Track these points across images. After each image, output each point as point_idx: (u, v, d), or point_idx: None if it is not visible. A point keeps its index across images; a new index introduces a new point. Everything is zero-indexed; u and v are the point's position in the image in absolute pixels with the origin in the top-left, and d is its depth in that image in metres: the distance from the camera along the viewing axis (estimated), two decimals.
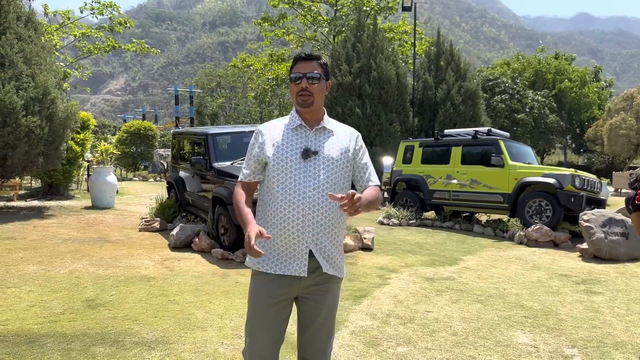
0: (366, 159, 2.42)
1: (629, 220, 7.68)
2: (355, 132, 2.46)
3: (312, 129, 2.31)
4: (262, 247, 2.27)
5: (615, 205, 12.66)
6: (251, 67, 24.09)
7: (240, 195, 2.35)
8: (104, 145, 11.61)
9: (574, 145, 35.68)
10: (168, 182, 10.00)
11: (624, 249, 7.34)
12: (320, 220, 2.22)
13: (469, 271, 6.61)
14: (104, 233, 8.39)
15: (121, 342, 3.96)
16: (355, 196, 2.01)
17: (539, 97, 27.19)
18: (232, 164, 7.58)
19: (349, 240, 7.38)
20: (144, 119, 38.08)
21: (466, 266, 6.92)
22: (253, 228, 2.09)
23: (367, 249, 7.62)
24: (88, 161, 14.35)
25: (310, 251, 2.24)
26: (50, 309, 4.68)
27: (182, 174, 9.26)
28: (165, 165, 24.67)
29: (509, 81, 27.36)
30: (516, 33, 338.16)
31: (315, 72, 2.25)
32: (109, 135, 30.00)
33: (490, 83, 26.35)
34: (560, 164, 30.64)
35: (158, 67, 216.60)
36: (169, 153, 25.76)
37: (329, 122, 2.38)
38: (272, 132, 2.33)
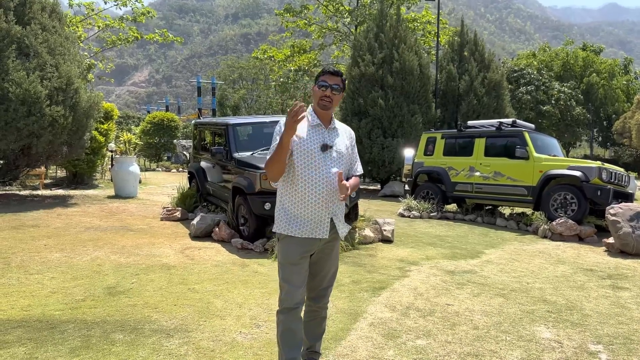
0: (355, 152, 3.15)
1: None
2: (352, 131, 3.18)
3: (326, 127, 2.95)
4: (295, 219, 2.91)
5: None
6: (272, 59, 24.05)
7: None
8: (127, 135, 11.73)
9: (600, 139, 34.87)
10: (189, 172, 10.05)
11: None
12: (337, 198, 2.91)
13: (491, 265, 6.50)
14: (126, 222, 8.48)
15: (140, 329, 3.98)
16: (349, 190, 2.81)
17: (565, 89, 26.56)
18: (252, 154, 7.57)
19: (368, 232, 7.32)
20: (167, 110, 38.44)
21: (488, 259, 6.80)
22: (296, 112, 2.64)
23: (387, 240, 7.55)
24: (112, 151, 14.54)
25: (331, 219, 2.94)
26: (71, 296, 4.74)
27: (203, 164, 9.30)
28: (188, 156, 24.89)
29: (535, 72, 26.77)
30: (542, 24, 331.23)
31: (338, 85, 2.90)
32: (132, 126, 30.36)
33: (515, 74, 25.82)
34: (586, 157, 29.95)
35: (181, 59, 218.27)
36: (191, 144, 26.09)
37: (336, 123, 3.03)
38: (297, 127, 2.78)
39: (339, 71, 2.93)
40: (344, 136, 3.03)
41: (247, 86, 53.45)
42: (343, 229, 3.03)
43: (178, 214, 8.70)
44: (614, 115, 30.80)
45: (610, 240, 7.47)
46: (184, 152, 25.17)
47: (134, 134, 17.97)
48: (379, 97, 13.61)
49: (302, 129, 2.87)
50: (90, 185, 13.33)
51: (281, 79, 24.41)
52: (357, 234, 7.15)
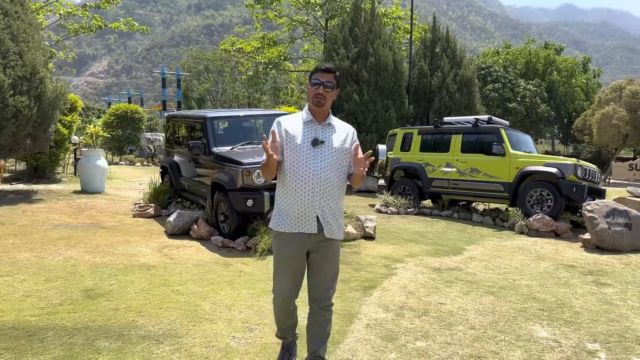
0: (359, 150, 3.03)
1: (632, 210, 7.64)
2: (351, 129, 3.14)
3: (320, 123, 2.98)
4: (282, 214, 2.99)
5: (608, 195, 12.66)
6: (241, 51, 23.59)
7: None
8: (94, 127, 11.23)
9: (561, 135, 35.90)
10: (162, 167, 9.70)
11: (627, 240, 7.28)
12: (324, 194, 2.92)
13: (474, 261, 6.50)
14: (97, 219, 8.11)
15: (126, 335, 3.75)
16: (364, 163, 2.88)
17: (531, 87, 27.17)
18: (232, 149, 7.34)
19: (351, 229, 7.21)
20: (129, 102, 37.33)
21: (471, 256, 6.80)
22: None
23: (369, 237, 7.47)
24: (75, 144, 13.95)
25: (317, 216, 2.92)
26: (47, 300, 4.45)
27: (177, 158, 8.98)
28: (153, 150, 24.21)
29: (502, 70, 27.27)
30: (502, 23, 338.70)
31: (331, 82, 2.93)
32: (94, 118, 29.33)
33: (482, 72, 26.23)
34: (547, 154, 30.77)
35: (142, 49, 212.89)
36: (157, 137, 25.37)
37: (332, 120, 3.04)
38: (289, 124, 2.98)
39: (331, 68, 2.96)
40: (341, 133, 3.01)
41: (212, 78, 52.52)
42: (330, 228, 2.97)
43: (151, 211, 8.38)
44: (574, 113, 31.73)
45: (587, 236, 7.60)
46: (149, 146, 24.46)
47: (96, 126, 17.29)
48: (353, 92, 13.52)
49: (294, 125, 2.97)
50: (53, 180, 12.74)
51: (250, 72, 23.99)
52: None
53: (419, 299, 4.83)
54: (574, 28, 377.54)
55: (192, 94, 50.29)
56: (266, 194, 6.39)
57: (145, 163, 22.58)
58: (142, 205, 8.58)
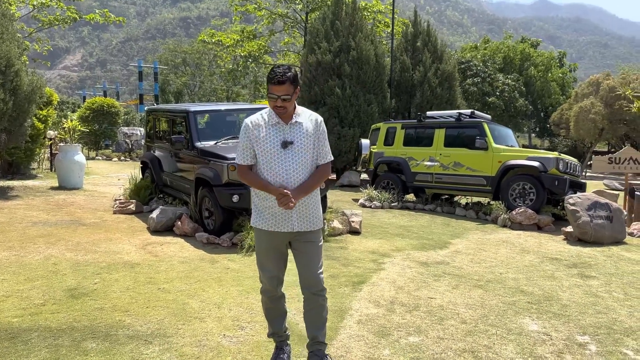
0: (323, 139, 3.09)
1: (613, 203, 7.76)
2: (318, 118, 3.12)
3: (287, 124, 2.99)
4: (259, 212, 3.07)
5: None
6: (220, 43, 23.29)
7: (250, 174, 3.04)
8: (71, 122, 10.96)
9: (537, 129, 36.48)
10: (142, 162, 9.51)
11: (609, 232, 7.40)
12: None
13: (460, 255, 6.52)
14: (77, 215, 7.91)
15: (114, 336, 3.65)
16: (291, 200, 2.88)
17: (509, 81, 27.50)
18: (216, 143, 7.22)
19: (337, 224, 7.18)
20: (105, 95, 36.62)
21: (457, 250, 6.83)
22: (278, 188, 2.89)
23: (355, 232, 7.44)
24: (51, 139, 13.62)
25: (293, 214, 2.99)
26: (29, 300, 4.31)
27: (158, 153, 8.82)
28: (130, 144, 23.83)
29: (481, 64, 27.53)
30: (478, 17, 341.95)
31: (287, 94, 2.89)
32: (69, 113, 28.69)
33: (462, 66, 26.43)
34: (524, 147, 31.16)
35: (117, 42, 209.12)
36: (134, 131, 24.96)
37: (299, 116, 3.03)
38: (257, 127, 3.00)
39: (285, 79, 2.87)
40: (308, 128, 3.03)
41: (190, 72, 51.85)
42: (309, 221, 3.05)
43: (132, 207, 8.21)
44: (550, 107, 32.24)
45: (569, 229, 7.70)
46: (126, 140, 24.06)
47: (71, 121, 16.90)
48: (335, 86, 13.45)
49: (262, 129, 2.99)
50: (28, 176, 12.42)
51: (230, 66, 23.71)
52: (326, 225, 6.99)
53: (408, 294, 4.81)
54: (548, 23, 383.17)
55: (170, 87, 49.63)
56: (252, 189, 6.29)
57: (122, 158, 22.21)
58: (122, 201, 8.41)
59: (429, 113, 10.91)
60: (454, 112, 10.38)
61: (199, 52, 49.59)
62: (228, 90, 46.76)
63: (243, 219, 6.54)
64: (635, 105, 14.15)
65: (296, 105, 3.07)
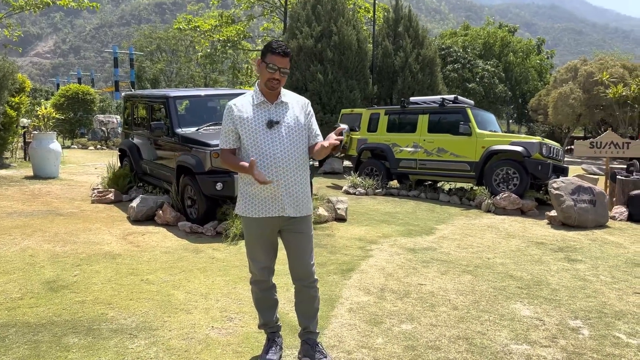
0: (314, 121, 3.04)
1: (597, 188, 7.81)
2: (305, 101, 3.06)
3: (272, 103, 2.90)
4: (247, 199, 2.94)
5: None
6: (197, 29, 22.81)
7: (229, 156, 2.94)
8: (45, 109, 10.60)
9: (515, 115, 36.84)
10: (120, 150, 9.25)
11: (592, 216, 7.45)
12: (288, 174, 2.86)
13: (447, 240, 6.49)
14: (53, 205, 7.66)
15: (96, 330, 3.50)
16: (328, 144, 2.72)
17: (489, 67, 27.62)
18: (197, 130, 7.03)
19: (322, 211, 7.08)
20: (79, 83, 35.71)
21: (443, 235, 6.80)
22: (252, 165, 2.67)
23: (341, 219, 7.35)
24: (24, 127, 13.19)
25: (283, 197, 2.87)
26: (5, 294, 4.13)
27: (137, 140, 8.57)
28: (106, 132, 23.29)
29: (461, 51, 27.57)
30: (456, 4, 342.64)
31: (287, 68, 2.85)
32: (42, 100, 27.89)
33: (442, 52, 26.42)
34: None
35: (90, 28, 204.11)
36: (110, 119, 24.39)
37: (285, 96, 2.95)
38: (241, 108, 2.89)
39: (288, 52, 2.85)
40: (295, 108, 2.95)
41: (166, 58, 50.90)
42: (298, 207, 2.94)
43: (111, 196, 7.98)
44: (528, 93, 32.53)
45: (553, 213, 7.73)
46: (102, 128, 23.49)
47: (47, 108, 16.40)
48: (317, 72, 13.27)
49: (247, 109, 2.89)
50: (1, 165, 12.01)
51: (208, 50, 23.26)
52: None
53: (398, 281, 4.75)
54: (524, 10, 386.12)
55: (145, 74, 48.71)
56: (236, 176, 6.11)
57: (98, 146, 21.72)
58: (101, 190, 8.17)
59: (412, 99, 10.83)
60: (438, 97, 10.32)
61: (175, 38, 48.72)
62: (206, 77, 46.09)
63: (227, 207, 6.39)
64: (611, 90, 14.32)
65: (282, 87, 2.99)
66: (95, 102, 24.09)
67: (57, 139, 10.80)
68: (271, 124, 2.86)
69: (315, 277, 3.08)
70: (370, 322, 3.78)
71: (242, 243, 5.84)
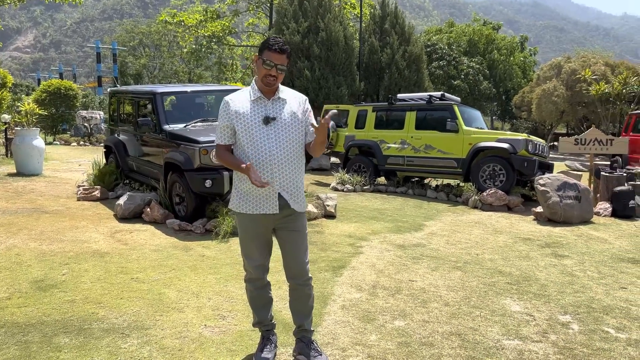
0: (311, 117, 3.00)
1: (582, 184, 7.92)
2: (303, 97, 3.04)
3: (269, 99, 2.87)
4: (241, 195, 2.92)
5: None
6: (182, 23, 22.59)
7: (226, 153, 2.91)
8: (28, 105, 10.42)
9: (499, 112, 37.19)
10: (106, 146, 9.13)
11: (577, 212, 7.55)
12: (284, 171, 2.85)
13: (436, 237, 6.53)
14: (38, 203, 7.54)
15: (88, 330, 3.46)
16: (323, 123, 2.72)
17: (474, 64, 27.83)
18: (185, 126, 6.96)
19: (312, 208, 7.07)
20: (61, 78, 35.15)
21: (431, 232, 6.84)
22: (248, 168, 2.70)
23: (330, 216, 7.36)
24: (6, 123, 12.95)
25: (279, 193, 2.85)
26: None
27: (123, 137, 8.47)
28: (89, 129, 22.97)
29: (446, 48, 27.73)
30: (440, 1, 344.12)
31: (285, 65, 2.82)
32: (23, 96, 27.41)
33: (428, 49, 26.54)
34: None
35: (71, 22, 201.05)
36: (93, 115, 24.06)
37: (283, 92, 2.92)
38: (237, 104, 2.87)
39: (286, 48, 2.84)
40: (292, 105, 2.92)
41: (149, 53, 50.33)
42: (294, 202, 2.92)
43: (97, 193, 7.88)
44: (512, 90, 32.88)
45: (539, 209, 7.82)
46: (85, 124, 23.17)
47: (30, 104, 16.11)
48: (305, 68, 13.24)
49: (243, 104, 2.87)
50: None
51: (193, 46, 23.06)
52: None
53: (389, 277, 4.77)
54: (507, 7, 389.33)
55: (128, 70, 48.13)
56: (225, 173, 6.12)
57: (81, 143, 21.41)
58: (86, 187, 8.06)
59: (399, 96, 10.85)
60: (425, 94, 10.36)
61: (158, 33, 48.21)
62: (190, 73, 45.72)
63: (216, 205, 6.35)
64: (594, 87, 14.52)
65: (279, 83, 2.97)
66: (77, 97, 23.73)
67: (40, 136, 10.61)
68: (267, 120, 2.83)
69: (310, 275, 3.07)
70: (364, 318, 3.79)
71: (233, 240, 5.82)
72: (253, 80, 2.95)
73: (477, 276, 4.90)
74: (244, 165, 2.76)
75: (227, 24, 22.83)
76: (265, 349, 3.11)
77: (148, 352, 3.18)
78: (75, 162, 13.44)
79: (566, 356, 3.26)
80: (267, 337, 3.17)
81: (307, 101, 3.07)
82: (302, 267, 3.01)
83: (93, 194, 7.84)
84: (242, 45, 28.40)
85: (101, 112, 23.69)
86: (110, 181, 8.28)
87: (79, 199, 7.85)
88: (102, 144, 21.24)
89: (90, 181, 8.34)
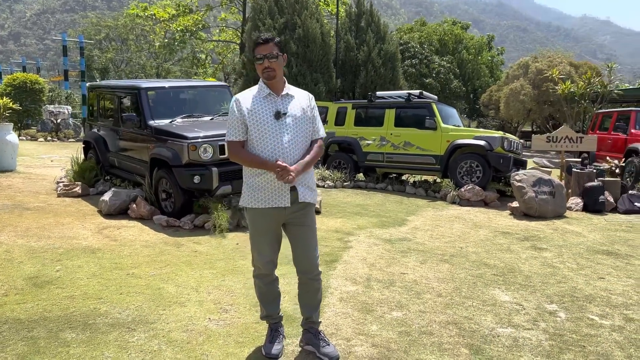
0: (317, 114, 3.10)
1: (555, 180, 8.24)
2: (309, 95, 3.15)
3: (278, 95, 2.96)
4: (253, 190, 2.97)
5: None
6: (154, 17, 22.24)
7: (243, 151, 2.97)
8: (2, 99, 10.13)
9: (467, 110, 37.96)
10: (85, 142, 8.98)
11: (552, 207, 7.86)
12: (295, 164, 2.89)
13: (420, 231, 6.71)
14: (18, 199, 7.38)
15: (93, 324, 3.47)
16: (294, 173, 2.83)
17: (445, 63, 28.35)
18: (171, 122, 6.94)
19: None
20: (24, 71, 34.04)
21: (415, 226, 7.02)
22: (276, 165, 2.82)
23: (315, 212, 7.43)
24: None
25: (291, 186, 2.91)
26: None
27: (103, 132, 8.36)
28: (57, 124, 22.40)
29: (418, 46, 28.17)
30: (407, 0, 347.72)
31: (273, 52, 2.89)
32: None
33: (400, 48, 26.89)
34: None
35: (31, 14, 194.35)
36: (60, 110, 23.44)
37: (290, 89, 3.03)
38: (248, 101, 2.94)
39: (269, 37, 2.92)
40: (301, 100, 3.02)
41: (115, 47, 49.24)
42: (305, 193, 3.00)
43: (78, 190, 7.77)
44: (479, 89, 33.63)
45: (515, 204, 8.11)
46: (52, 119, 22.57)
47: (4, 98, 15.62)
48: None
49: (254, 101, 2.94)
50: None
51: (166, 40, 22.71)
52: None
53: (381, 270, 4.91)
54: (472, 7, 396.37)
55: (94, 64, 46.98)
56: (214, 169, 6.14)
57: (49, 138, 20.89)
58: (66, 183, 7.93)
59: (378, 93, 11.01)
60: (404, 92, 10.55)
61: (125, 27, 47.23)
62: (158, 67, 44.99)
63: (205, 200, 6.36)
64: (560, 87, 15.03)
65: (286, 81, 3.06)
66: (44, 92, 23.11)
67: (14, 131, 10.32)
68: (278, 114, 2.91)
69: (320, 269, 3.16)
70: (363, 310, 3.91)
71: (229, 236, 5.87)
72: (260, 80, 3.03)
73: (464, 268, 5.08)
74: (267, 161, 2.85)
75: (199, 18, 22.60)
76: (275, 341, 3.19)
77: (157, 345, 3.22)
78: (46, 158, 13.13)
79: (557, 342, 3.45)
80: (276, 329, 3.26)
81: (313, 99, 3.17)
82: (313, 262, 3.09)
83: (74, 190, 7.73)
84: (213, 40, 28.15)
85: (69, 107, 23.15)
86: (91, 177, 8.17)
87: (59, 195, 7.72)
88: (70, 140, 20.80)
89: (70, 177, 8.20)
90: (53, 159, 12.68)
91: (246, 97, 2.98)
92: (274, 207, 2.94)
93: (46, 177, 9.35)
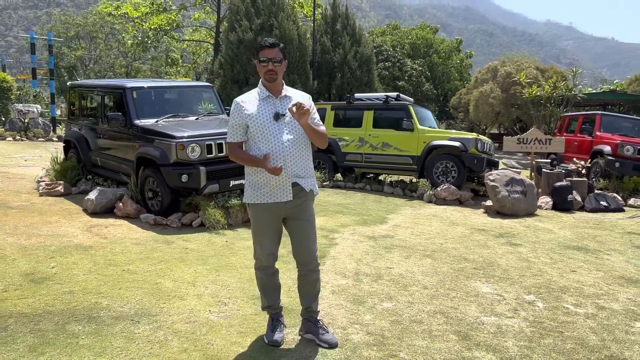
0: (316, 113, 3.22)
1: (527, 179, 8.63)
2: (307, 95, 3.29)
3: (277, 97, 3.13)
4: (255, 187, 3.15)
5: None
6: (126, 15, 22.01)
7: (240, 151, 3.16)
8: None
9: (437, 112, 38.70)
10: (65, 141, 8.93)
11: (523, 206, 8.24)
12: (295, 160, 3.09)
13: (400, 229, 6.96)
14: (0, 198, 7.32)
15: (97, 317, 3.58)
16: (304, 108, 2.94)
17: (417, 66, 28.89)
18: (157, 121, 7.01)
19: None
20: None
21: (395, 224, 7.27)
22: (266, 159, 2.99)
23: None
24: None
25: (292, 182, 3.09)
26: None
27: (85, 131, 8.34)
28: (26, 123, 21.92)
29: (391, 49, 28.64)
30: (376, 3, 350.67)
31: (278, 57, 3.07)
32: None
33: (374, 50, 27.32)
34: None
35: None
36: (30, 109, 22.95)
37: (288, 91, 3.20)
38: (248, 104, 3.11)
39: (275, 43, 3.07)
40: (298, 100, 3.11)
41: (85, 45, 48.31)
42: (307, 184, 3.17)
43: (60, 189, 7.74)
44: (449, 92, 34.37)
45: (489, 203, 8.46)
46: (20, 118, 22.09)
47: None
48: None
49: (253, 104, 3.10)
50: None
51: (139, 38, 22.50)
52: None
53: (368, 265, 5.12)
54: (441, 11, 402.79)
55: (62, 62, 46.01)
56: (202, 168, 6.26)
57: (17, 137, 20.42)
58: (48, 182, 7.89)
59: (357, 95, 11.26)
60: (382, 94, 10.83)
61: (95, 25, 46.41)
62: (128, 66, 44.36)
63: (191, 199, 6.46)
64: (527, 90, 15.59)
65: (284, 83, 3.22)
66: (12, 90, 22.60)
67: None
68: (278, 116, 3.08)
69: (318, 261, 3.35)
70: (355, 302, 4.11)
71: (224, 233, 5.99)
72: (260, 82, 3.18)
73: (445, 262, 5.35)
74: (259, 158, 3.02)
75: (173, 17, 22.48)
76: (277, 330, 3.37)
77: (163, 335, 3.35)
78: (19, 157, 12.91)
79: (538, 329, 3.73)
80: (277, 318, 3.43)
81: (310, 99, 3.33)
82: (312, 255, 3.28)
83: (56, 189, 7.70)
84: (186, 39, 27.98)
85: (38, 106, 22.69)
86: (72, 176, 8.15)
87: (41, 195, 7.69)
88: (40, 139, 20.40)
89: (51, 176, 8.17)
90: (27, 159, 12.49)
91: (246, 101, 3.14)
92: (275, 202, 3.11)
93: (24, 176, 9.26)
